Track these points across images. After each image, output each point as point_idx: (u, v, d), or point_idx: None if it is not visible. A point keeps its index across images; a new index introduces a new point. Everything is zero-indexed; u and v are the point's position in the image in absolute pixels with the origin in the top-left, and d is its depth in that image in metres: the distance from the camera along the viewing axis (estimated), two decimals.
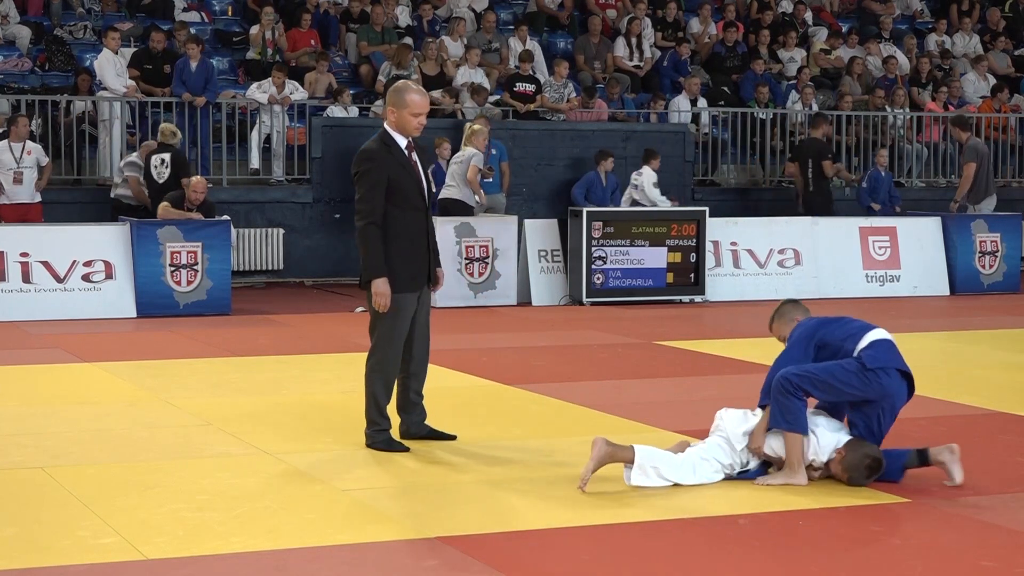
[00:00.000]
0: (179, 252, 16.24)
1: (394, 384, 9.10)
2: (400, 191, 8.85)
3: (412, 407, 9.26)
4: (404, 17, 23.56)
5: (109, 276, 16.12)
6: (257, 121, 20.12)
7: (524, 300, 17.58)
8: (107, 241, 16.28)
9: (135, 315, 16.05)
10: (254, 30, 21.92)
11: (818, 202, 20.38)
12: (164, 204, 16.76)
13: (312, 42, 22.16)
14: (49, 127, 19.18)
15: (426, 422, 9.31)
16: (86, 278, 16.04)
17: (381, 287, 8.80)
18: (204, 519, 7.32)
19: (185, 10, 23.18)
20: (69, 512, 7.43)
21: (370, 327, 9.08)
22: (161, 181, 17.46)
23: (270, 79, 20.33)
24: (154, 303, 16.10)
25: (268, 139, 20.19)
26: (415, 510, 7.54)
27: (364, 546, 6.85)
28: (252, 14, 23.22)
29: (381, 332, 8.99)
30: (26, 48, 21.44)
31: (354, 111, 20.70)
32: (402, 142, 8.92)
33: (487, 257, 17.38)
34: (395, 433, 9.14)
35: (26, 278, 15.88)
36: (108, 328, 15.25)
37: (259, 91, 20.23)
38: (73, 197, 18.90)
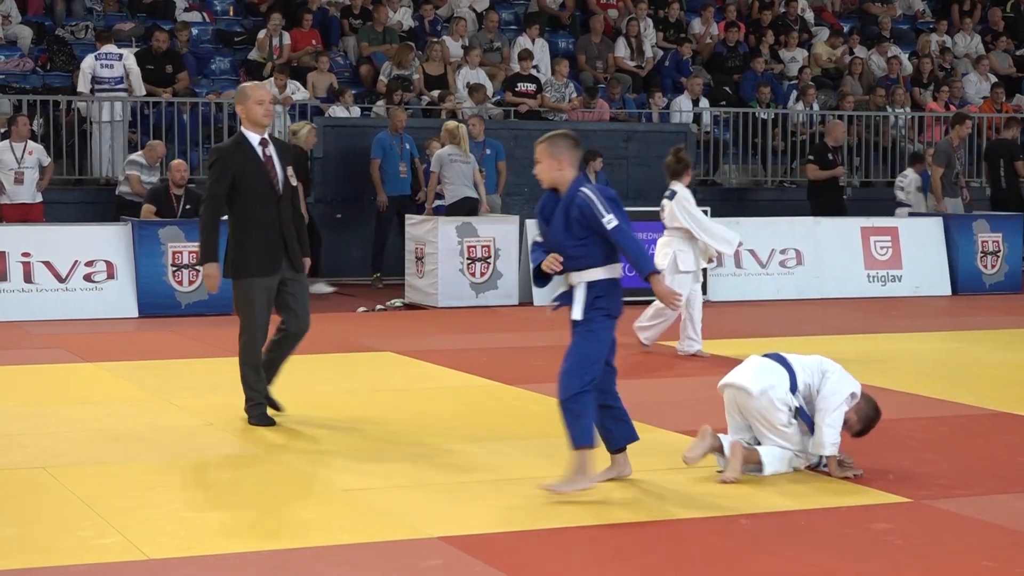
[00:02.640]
0: (181, 252, 16.25)
1: (260, 357, 9.84)
2: (247, 185, 9.61)
3: (263, 372, 9.96)
4: (406, 18, 23.56)
5: (111, 276, 16.13)
6: None
7: (526, 300, 17.56)
8: (109, 241, 16.29)
9: (137, 315, 16.06)
10: (261, 34, 21.91)
11: (1010, 201, 20.67)
12: (147, 207, 16.85)
13: (313, 42, 22.16)
14: (51, 127, 19.18)
15: (268, 388, 10.03)
16: (88, 278, 16.05)
17: (209, 271, 9.76)
18: (205, 519, 7.33)
19: (187, 10, 23.19)
20: (70, 512, 7.44)
21: (235, 309, 9.93)
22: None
23: (272, 79, 20.34)
24: (156, 303, 16.11)
25: None
26: (416, 510, 7.53)
27: (365, 546, 6.85)
28: (254, 11, 23.23)
29: (242, 315, 9.81)
30: (27, 48, 21.44)
31: (356, 111, 20.71)
32: (254, 139, 9.69)
33: (489, 257, 17.38)
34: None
35: (28, 278, 15.89)
36: (110, 328, 15.25)
37: None
38: (75, 197, 18.92)
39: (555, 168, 7.90)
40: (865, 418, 8.34)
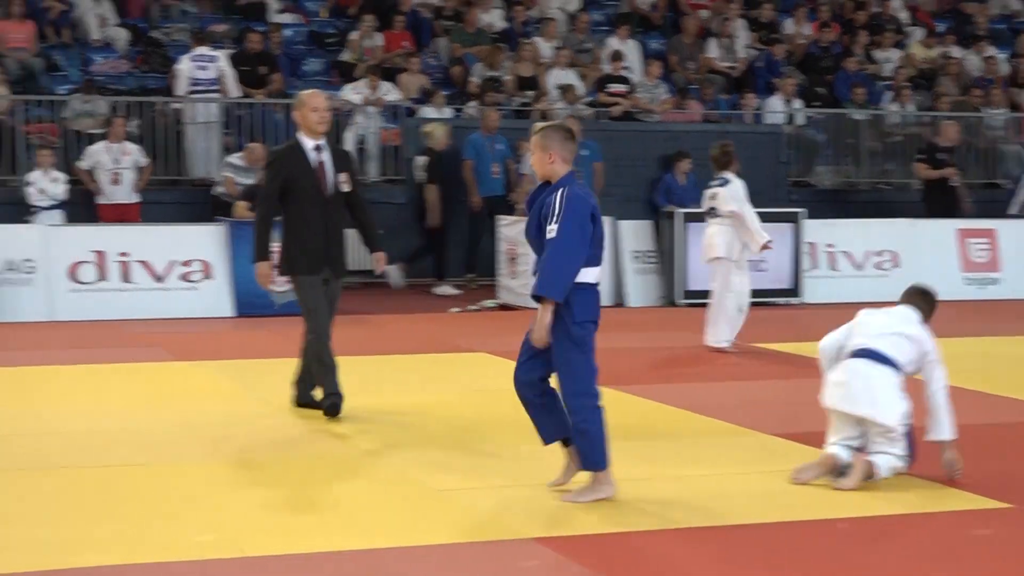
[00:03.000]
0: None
1: (329, 347, 10.02)
2: (297, 188, 9.99)
3: (301, 382, 10.32)
4: (497, 19, 23.58)
5: (207, 275, 16.28)
6: (351, 122, 20.23)
7: (619, 301, 17.55)
8: (205, 241, 16.44)
9: (233, 314, 16.18)
10: (353, 35, 22.04)
11: None
12: (241, 204, 16.98)
13: (405, 43, 22.24)
14: (147, 128, 19.38)
15: (312, 392, 10.32)
16: (184, 277, 16.20)
17: (261, 269, 10.19)
18: (300, 517, 7.37)
19: (280, 11, 23.35)
20: (169, 509, 7.50)
21: (299, 305, 10.26)
22: (417, 183, 18.28)
23: (364, 80, 20.45)
24: (252, 302, 16.20)
25: (362, 140, 20.29)
26: (512, 510, 7.52)
27: (460, 546, 6.85)
28: (346, 12, 23.34)
29: (304, 312, 10.13)
30: (124, 50, 21.68)
31: (447, 112, 20.75)
32: (308, 144, 10.04)
33: None
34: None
35: (126, 277, 16.07)
36: (206, 327, 15.38)
37: (353, 92, 20.35)
38: (171, 197, 19.10)
39: (546, 161, 7.66)
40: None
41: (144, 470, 8.44)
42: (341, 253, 10.19)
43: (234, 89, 19.81)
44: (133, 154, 18.22)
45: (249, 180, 18.04)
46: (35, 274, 15.87)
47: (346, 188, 10.10)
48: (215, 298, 16.24)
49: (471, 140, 19.14)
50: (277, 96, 20.30)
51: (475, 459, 8.80)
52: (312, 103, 10.03)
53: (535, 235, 7.62)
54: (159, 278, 16.12)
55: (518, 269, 17.32)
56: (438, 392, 11.32)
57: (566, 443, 7.84)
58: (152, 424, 9.89)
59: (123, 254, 16.10)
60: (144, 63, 21.53)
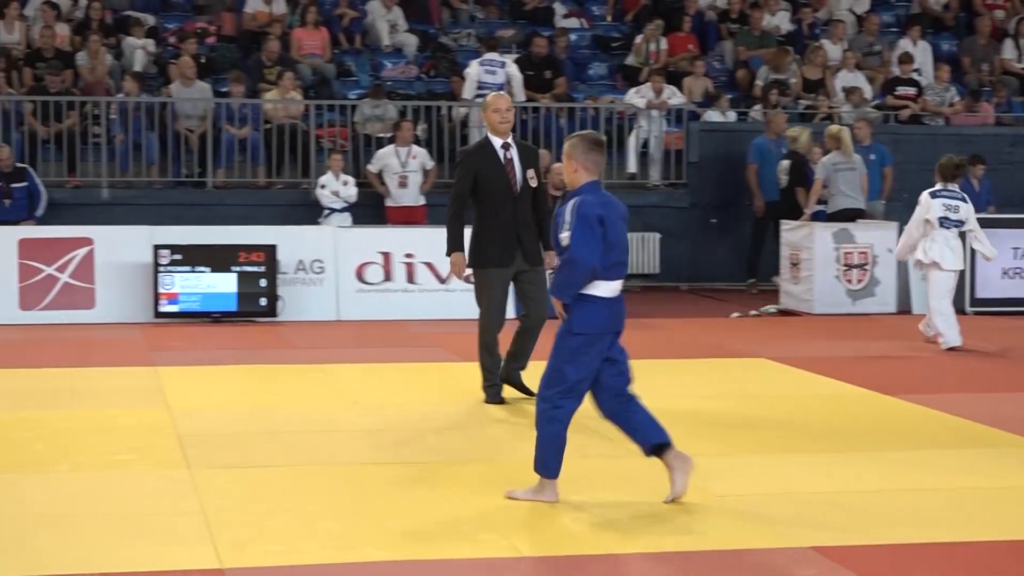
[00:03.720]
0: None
1: (496, 341, 10.70)
2: (488, 184, 10.50)
3: (513, 358, 10.81)
4: (784, 21, 23.33)
5: None
6: (635, 126, 20.26)
7: (904, 308, 17.19)
8: None
9: (514, 316, 16.31)
10: (638, 39, 22.07)
11: None
12: None
13: (690, 46, 22.17)
14: (434, 132, 19.74)
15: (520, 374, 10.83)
16: (468, 279, 16.41)
17: (455, 259, 10.62)
18: (579, 519, 7.37)
19: (566, 16, 23.52)
20: (449, 507, 7.62)
21: (475, 297, 10.80)
22: (780, 187, 18.40)
23: (648, 84, 20.45)
24: None
25: (645, 144, 20.31)
26: (789, 518, 7.44)
27: (737, 552, 6.80)
28: (631, 16, 23.38)
29: (481, 302, 10.73)
30: (413, 55, 22.11)
31: (732, 116, 20.62)
32: (497, 143, 10.60)
33: (866, 264, 17.07)
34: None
35: (410, 278, 16.40)
36: None
37: (637, 96, 20.37)
38: None
39: (570, 170, 7.79)
40: None
41: (423, 468, 8.59)
42: (535, 244, 10.61)
43: (520, 94, 20.02)
44: (420, 157, 18.57)
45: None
46: (324, 274, 16.31)
47: (533, 184, 10.58)
48: None
49: (756, 144, 19.01)
50: (562, 100, 20.45)
51: (753, 464, 8.73)
52: (494, 105, 10.60)
53: (554, 241, 7.79)
54: (442, 280, 16.39)
55: (800, 274, 17.12)
56: (716, 397, 11.24)
57: (658, 452, 7.80)
58: (433, 423, 10.06)
59: (408, 255, 16.43)
60: (432, 68, 21.93)
